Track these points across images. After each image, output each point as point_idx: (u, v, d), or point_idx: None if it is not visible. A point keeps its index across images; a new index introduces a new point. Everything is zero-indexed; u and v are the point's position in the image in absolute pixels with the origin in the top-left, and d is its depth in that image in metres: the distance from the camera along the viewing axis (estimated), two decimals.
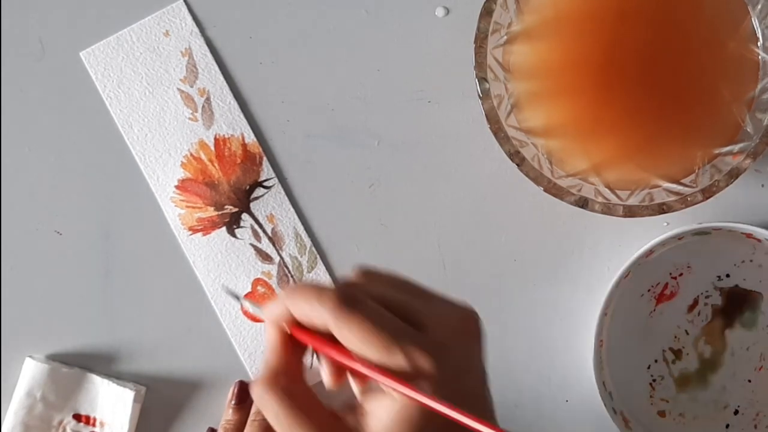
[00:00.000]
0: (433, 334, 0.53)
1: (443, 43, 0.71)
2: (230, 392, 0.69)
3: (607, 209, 0.66)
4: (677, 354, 0.70)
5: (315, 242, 0.71)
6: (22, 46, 0.72)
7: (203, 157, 0.71)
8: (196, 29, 0.71)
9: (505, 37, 0.67)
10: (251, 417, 0.66)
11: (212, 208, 0.71)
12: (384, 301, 0.53)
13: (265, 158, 0.71)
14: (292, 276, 0.71)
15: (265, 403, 0.53)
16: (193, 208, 0.71)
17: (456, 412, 0.50)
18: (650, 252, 0.67)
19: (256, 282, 0.71)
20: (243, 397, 0.68)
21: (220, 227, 0.71)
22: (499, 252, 0.71)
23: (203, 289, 0.71)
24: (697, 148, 0.67)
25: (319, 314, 0.53)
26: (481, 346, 0.54)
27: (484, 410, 0.54)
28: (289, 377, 0.54)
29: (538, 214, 0.71)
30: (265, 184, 0.71)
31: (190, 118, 0.71)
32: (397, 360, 0.52)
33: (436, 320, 0.53)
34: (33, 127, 0.72)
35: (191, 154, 0.71)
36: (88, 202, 0.72)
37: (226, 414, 0.68)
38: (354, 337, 0.52)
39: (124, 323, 0.71)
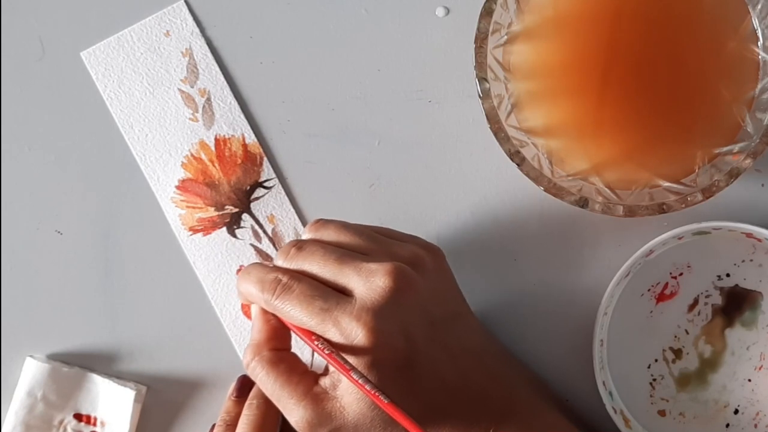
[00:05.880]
0: (361, 300, 0.60)
1: (443, 43, 0.71)
2: (232, 386, 0.69)
3: (607, 209, 0.66)
4: (677, 353, 0.70)
5: None
6: (22, 46, 0.72)
7: (204, 157, 0.71)
8: (196, 29, 0.71)
9: (506, 37, 0.67)
10: (248, 400, 0.67)
11: (213, 209, 0.71)
12: (320, 272, 0.62)
13: (265, 159, 0.71)
14: None
15: (252, 371, 0.63)
16: (194, 208, 0.71)
17: (370, 395, 0.58)
18: (650, 252, 0.67)
19: None
20: (244, 391, 0.68)
21: (221, 227, 0.71)
22: (499, 251, 0.71)
23: (203, 289, 0.71)
24: (697, 147, 0.67)
25: (260, 303, 0.63)
26: (414, 294, 0.61)
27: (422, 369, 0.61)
28: (272, 346, 0.63)
29: (538, 214, 0.71)
30: (265, 184, 0.71)
31: (190, 119, 0.71)
32: (332, 333, 0.60)
33: (364, 283, 0.61)
34: (33, 127, 0.72)
35: (192, 155, 0.71)
36: (88, 202, 0.72)
37: (226, 407, 0.68)
38: (291, 319, 0.61)
39: (125, 323, 0.71)
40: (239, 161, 0.71)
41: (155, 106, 0.72)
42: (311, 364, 0.70)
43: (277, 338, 0.64)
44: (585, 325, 0.69)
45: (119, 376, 0.71)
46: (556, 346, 0.70)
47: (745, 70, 0.67)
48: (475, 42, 0.66)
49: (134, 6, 0.71)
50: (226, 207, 0.71)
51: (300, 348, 0.68)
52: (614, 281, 0.67)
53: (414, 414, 0.58)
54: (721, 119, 0.67)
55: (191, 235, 0.71)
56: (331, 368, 0.61)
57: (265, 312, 0.64)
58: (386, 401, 0.58)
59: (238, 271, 0.71)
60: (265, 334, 0.64)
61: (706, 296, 0.70)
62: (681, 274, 0.70)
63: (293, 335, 0.64)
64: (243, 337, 0.71)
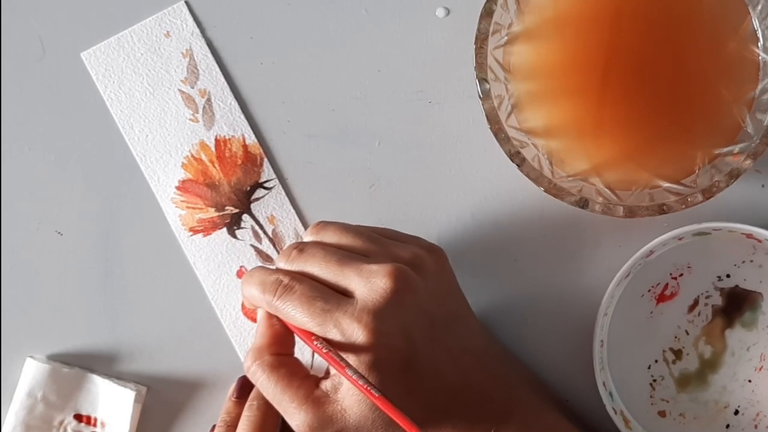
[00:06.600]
0: (362, 301, 0.60)
1: (443, 44, 0.71)
2: (232, 387, 0.69)
3: (608, 209, 0.66)
4: (677, 354, 0.70)
5: None
6: (22, 46, 0.72)
7: (204, 158, 0.71)
8: (196, 30, 0.71)
9: (506, 38, 0.67)
10: (249, 401, 0.67)
11: (213, 209, 0.71)
12: (321, 273, 0.62)
13: (265, 159, 0.71)
14: None
15: (252, 374, 0.63)
16: (194, 209, 0.71)
17: (363, 390, 0.58)
18: (650, 252, 0.67)
19: None
20: (244, 392, 0.68)
21: (221, 228, 0.71)
22: (499, 252, 0.71)
23: (203, 290, 0.71)
24: (697, 148, 0.67)
25: (262, 305, 0.63)
26: (414, 295, 0.61)
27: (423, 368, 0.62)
28: (273, 350, 0.63)
29: (538, 214, 0.71)
30: (265, 185, 0.71)
31: (190, 119, 0.71)
32: (333, 333, 0.60)
33: (364, 285, 0.61)
34: (33, 127, 0.72)
35: (192, 155, 0.71)
36: (88, 202, 0.72)
37: (226, 408, 0.69)
38: (292, 320, 0.62)
39: (125, 323, 0.71)
40: (239, 162, 0.71)
41: (155, 107, 0.72)
42: (311, 366, 0.70)
43: (280, 343, 0.64)
44: (585, 325, 0.69)
45: (119, 377, 0.71)
46: (556, 347, 0.70)
47: (746, 71, 0.67)
48: (476, 43, 0.66)
49: (134, 7, 0.71)
50: (227, 208, 0.71)
51: (300, 352, 0.68)
52: (614, 282, 0.67)
53: (415, 414, 0.58)
54: (722, 120, 0.67)
55: (191, 235, 0.71)
56: (332, 371, 0.61)
57: (270, 316, 0.64)
58: (377, 395, 0.58)
59: (239, 272, 0.71)
60: (268, 339, 0.64)
61: (707, 297, 0.70)
62: (681, 275, 0.70)
63: (297, 340, 0.64)
64: (243, 337, 0.71)
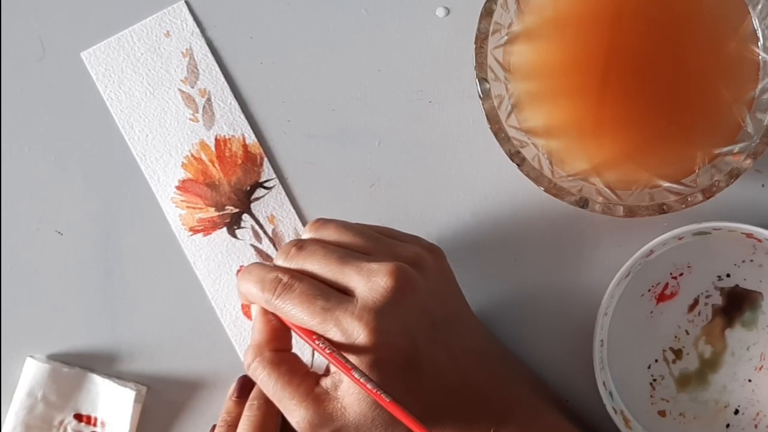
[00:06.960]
0: (363, 300, 0.60)
1: (443, 43, 0.71)
2: (232, 387, 0.69)
3: (608, 209, 0.66)
4: (677, 354, 0.70)
5: None
6: (22, 46, 0.72)
7: (204, 157, 0.71)
8: (197, 30, 0.71)
9: (506, 38, 0.67)
10: (249, 401, 0.67)
11: (213, 209, 0.71)
12: (321, 271, 0.62)
13: (265, 159, 0.71)
14: None
15: (253, 371, 0.63)
16: (194, 208, 0.71)
17: (372, 394, 0.58)
18: (650, 252, 0.67)
19: None
20: (244, 391, 0.68)
21: (221, 228, 0.71)
22: (499, 252, 0.71)
23: (203, 290, 0.71)
24: (697, 148, 0.67)
25: (260, 303, 0.63)
26: (415, 294, 0.61)
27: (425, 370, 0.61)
28: (273, 347, 0.63)
29: (538, 214, 0.71)
30: (265, 184, 0.71)
31: (190, 119, 0.71)
32: (333, 332, 0.60)
33: (365, 283, 0.61)
34: (33, 127, 0.72)
35: (192, 155, 0.71)
36: (88, 202, 0.72)
37: (227, 407, 0.68)
38: (292, 318, 0.61)
39: (125, 323, 0.71)
40: (239, 161, 0.71)
41: (155, 107, 0.72)
42: (311, 365, 0.70)
43: (278, 339, 0.64)
44: (585, 325, 0.69)
45: (119, 377, 0.71)
46: (556, 347, 0.70)
47: (746, 71, 0.67)
48: (476, 42, 0.66)
49: (134, 6, 0.71)
50: (227, 207, 0.71)
51: (300, 349, 0.68)
52: (614, 281, 0.67)
53: (415, 413, 0.58)
54: (722, 119, 0.67)
55: (191, 235, 0.71)
56: (333, 369, 0.61)
57: (265, 312, 0.64)
58: (388, 400, 0.58)
59: (239, 271, 0.71)
60: (266, 335, 0.63)
61: (707, 296, 0.70)
62: (681, 275, 0.70)
63: (293, 335, 0.64)
64: (243, 337, 0.71)
